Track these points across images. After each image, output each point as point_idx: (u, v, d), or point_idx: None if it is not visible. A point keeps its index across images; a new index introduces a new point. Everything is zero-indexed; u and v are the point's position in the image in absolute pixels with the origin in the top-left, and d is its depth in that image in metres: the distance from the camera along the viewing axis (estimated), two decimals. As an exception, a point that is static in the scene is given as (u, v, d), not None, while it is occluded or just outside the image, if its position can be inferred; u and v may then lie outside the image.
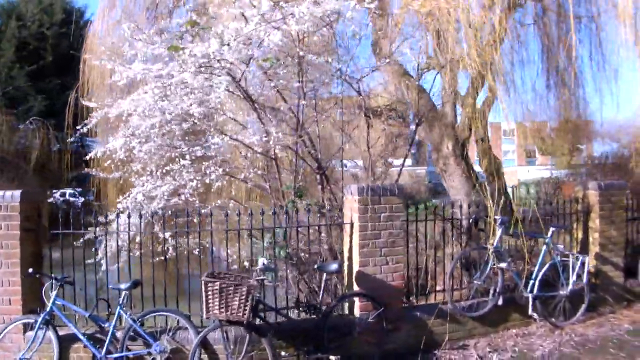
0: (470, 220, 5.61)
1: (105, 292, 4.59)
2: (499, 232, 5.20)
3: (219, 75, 4.30)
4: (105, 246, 4.79)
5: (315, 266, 4.64)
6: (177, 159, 5.69)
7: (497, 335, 5.23)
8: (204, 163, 5.63)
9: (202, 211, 5.08)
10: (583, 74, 8.48)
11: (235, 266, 5.33)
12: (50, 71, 17.94)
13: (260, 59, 4.39)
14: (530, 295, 5.25)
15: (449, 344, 4.94)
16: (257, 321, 4.15)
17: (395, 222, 4.80)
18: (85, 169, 6.66)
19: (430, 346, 4.85)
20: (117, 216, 4.62)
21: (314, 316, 4.43)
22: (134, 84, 5.76)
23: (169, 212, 5.14)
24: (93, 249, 5.16)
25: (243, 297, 3.79)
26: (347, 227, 4.88)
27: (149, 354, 4.15)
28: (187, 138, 5.93)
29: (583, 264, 5.47)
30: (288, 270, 5.03)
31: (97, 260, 5.07)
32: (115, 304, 4.25)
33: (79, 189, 20.27)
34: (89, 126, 6.08)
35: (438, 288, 5.51)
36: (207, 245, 5.26)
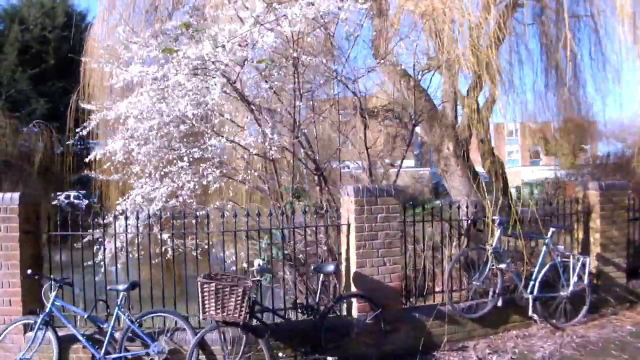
0: (469, 221, 5.60)
1: (105, 294, 4.60)
2: (497, 232, 5.18)
3: (214, 77, 4.31)
4: (103, 248, 4.80)
5: (312, 267, 4.63)
6: (175, 161, 5.71)
7: (497, 336, 5.20)
8: (201, 165, 5.65)
9: (200, 213, 5.10)
10: (583, 73, 8.46)
11: (234, 268, 5.35)
12: (53, 74, 18.08)
13: (255, 61, 4.39)
14: (530, 297, 5.22)
15: (448, 345, 4.92)
16: (254, 322, 4.15)
17: (392, 222, 4.79)
18: (85, 172, 6.64)
19: (429, 347, 4.83)
20: (115, 218, 4.64)
21: (311, 317, 4.43)
22: (132, 86, 5.79)
23: (167, 213, 5.16)
24: (94, 250, 5.21)
25: (239, 298, 3.80)
26: (344, 228, 4.88)
27: (147, 354, 4.16)
28: (185, 140, 5.95)
29: (584, 264, 5.44)
30: (286, 272, 5.03)
31: (96, 261, 5.11)
32: (114, 305, 4.27)
33: (83, 192, 20.38)
34: (88, 129, 6.10)
35: (437, 289, 5.49)
36: (206, 247, 5.29)
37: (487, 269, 5.14)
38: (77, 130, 6.25)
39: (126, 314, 4.17)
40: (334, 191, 6.01)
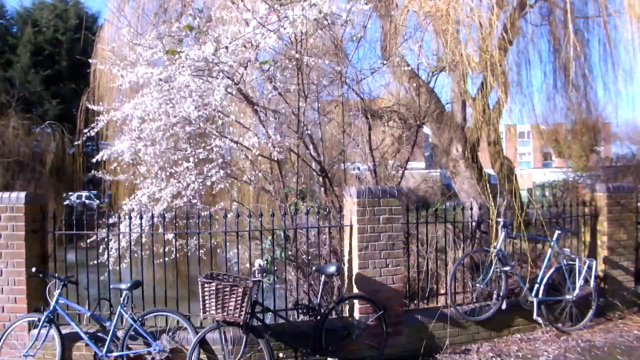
0: (473, 223, 5.55)
1: (110, 293, 4.65)
2: (501, 235, 5.13)
3: (217, 78, 4.34)
4: (107, 247, 4.86)
5: (313, 268, 4.63)
6: (180, 162, 5.77)
7: (500, 339, 5.16)
8: (207, 165, 5.69)
9: (204, 213, 5.14)
10: (593, 74, 8.34)
11: (236, 268, 5.38)
12: (65, 76, 18.37)
13: (258, 62, 4.42)
14: (535, 300, 5.16)
15: (450, 348, 4.89)
16: (255, 322, 4.17)
17: (395, 224, 4.77)
18: (93, 172, 6.74)
19: (432, 350, 4.81)
20: (119, 218, 4.69)
21: (312, 318, 4.43)
22: (139, 88, 5.86)
23: (172, 214, 5.20)
24: (100, 249, 5.28)
25: (239, 298, 3.81)
26: (346, 229, 4.87)
27: (149, 353, 4.19)
28: (191, 141, 6.01)
29: (590, 268, 5.37)
30: (287, 272, 5.04)
31: (101, 260, 5.18)
32: (117, 303, 4.31)
33: (94, 192, 20.65)
34: (95, 130, 6.20)
35: (442, 292, 5.46)
36: (211, 247, 5.33)
37: (491, 272, 5.09)
38: (84, 131, 6.35)
39: (129, 313, 4.21)
40: (339, 192, 6.01)
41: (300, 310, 4.57)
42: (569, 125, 11.76)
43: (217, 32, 4.42)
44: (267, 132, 5.00)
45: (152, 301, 4.56)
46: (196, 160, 5.74)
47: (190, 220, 4.95)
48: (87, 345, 4.23)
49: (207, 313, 3.90)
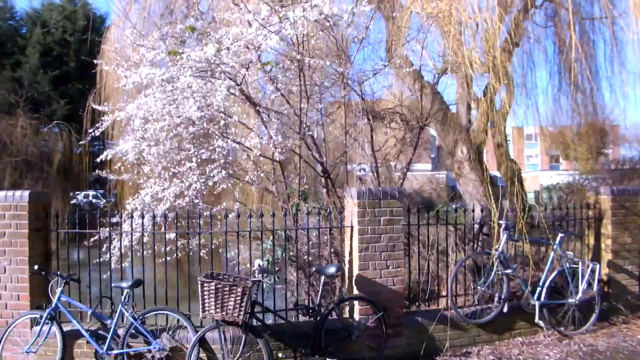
0: (475, 225, 5.53)
1: (111, 291, 4.69)
2: (503, 237, 5.11)
3: (218, 79, 4.37)
4: (109, 246, 4.90)
5: (314, 269, 4.64)
6: (183, 162, 5.80)
7: (501, 343, 5.13)
8: (209, 166, 5.72)
9: (205, 213, 5.16)
10: (599, 76, 8.27)
11: (240, 267, 5.39)
12: (73, 76, 18.57)
13: (260, 64, 4.44)
14: (537, 303, 5.13)
15: (450, 350, 4.87)
16: (255, 322, 4.18)
17: (396, 226, 4.76)
18: (97, 171, 6.79)
19: (432, 352, 4.79)
20: (120, 217, 4.72)
21: (312, 319, 4.43)
22: (144, 88, 5.90)
23: (174, 213, 5.23)
24: (102, 249, 5.32)
25: (238, 297, 3.83)
26: (347, 230, 4.88)
27: (149, 351, 4.22)
28: (194, 141, 6.04)
29: (593, 271, 5.33)
30: (288, 273, 5.05)
31: (104, 259, 5.21)
32: (118, 302, 4.34)
33: (101, 191, 20.82)
34: (100, 129, 6.25)
35: (444, 294, 5.44)
36: (213, 247, 5.35)
37: (493, 274, 5.07)
38: (89, 131, 6.41)
39: (129, 311, 4.24)
40: (341, 193, 6.01)
41: (300, 311, 4.58)
42: (575, 128, 11.67)
43: (219, 34, 4.45)
44: (268, 132, 5.01)
45: (153, 300, 4.59)
46: (199, 160, 5.77)
47: (193, 220, 4.98)
48: (88, 342, 4.27)
49: (207, 312, 3.92)
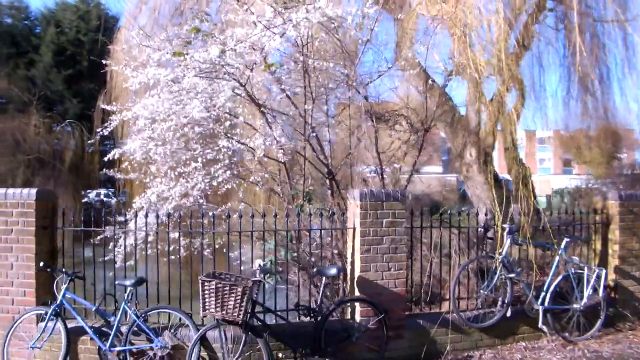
0: (479, 229, 5.51)
1: (115, 289, 4.75)
2: (507, 241, 5.07)
3: (221, 79, 4.41)
4: (114, 244, 4.97)
5: (314, 270, 4.65)
6: (189, 162, 5.85)
7: (504, 347, 5.09)
8: (214, 166, 5.76)
9: (210, 213, 5.20)
10: (610, 79, 8.18)
11: (243, 267, 5.43)
12: (86, 75, 18.83)
13: (263, 66, 4.47)
14: (541, 308, 5.08)
15: (452, 354, 4.85)
16: (255, 322, 4.20)
17: (398, 228, 4.76)
18: (104, 170, 6.88)
19: (432, 356, 4.78)
20: (125, 215, 4.78)
21: (312, 319, 4.44)
22: (151, 88, 5.97)
23: (178, 213, 5.28)
24: (108, 246, 5.39)
25: (238, 297, 3.86)
26: (349, 232, 4.88)
27: (151, 349, 4.27)
28: (201, 141, 6.09)
29: (599, 277, 5.27)
30: (290, 273, 5.07)
31: (109, 257, 5.28)
32: (121, 299, 4.40)
33: (112, 190, 21.05)
34: (108, 129, 6.34)
35: (447, 297, 5.41)
36: (217, 247, 5.39)
37: (496, 278, 5.04)
38: (97, 130, 6.50)
39: (132, 309, 4.30)
40: (345, 195, 6.01)
41: (300, 312, 4.59)
42: (587, 131, 11.52)
43: (224, 35, 4.49)
44: (272, 133, 5.04)
45: (156, 298, 4.64)
46: (204, 160, 5.82)
47: (198, 220, 5.02)
48: (91, 339, 4.34)
49: (207, 311, 3.95)
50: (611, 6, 6.84)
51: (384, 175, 6.67)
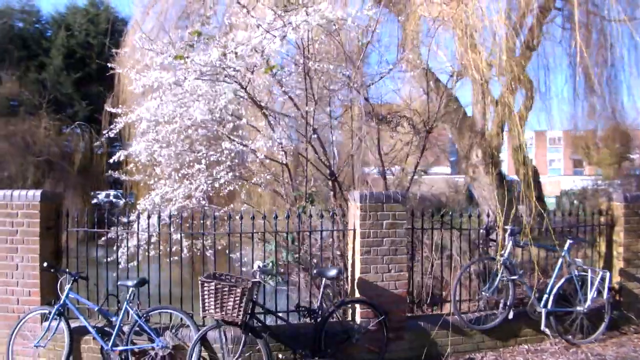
0: (481, 230, 5.48)
1: (117, 289, 4.81)
2: (509, 243, 5.05)
3: (224, 82, 4.45)
4: (116, 245, 5.02)
5: (315, 271, 4.67)
6: (192, 163, 5.90)
7: (506, 350, 5.06)
8: (216, 168, 5.80)
9: (216, 214, 5.25)
10: (617, 79, 8.09)
11: (244, 269, 5.46)
12: (95, 78, 19.06)
13: (263, 69, 4.50)
14: (543, 310, 5.04)
15: (453, 356, 4.84)
16: (255, 323, 4.23)
17: (399, 229, 4.76)
18: (109, 172, 6.97)
19: (433, 357, 4.77)
20: (128, 217, 4.84)
21: (312, 321, 4.46)
22: (155, 91, 6.03)
23: (182, 214, 5.34)
24: (109, 248, 5.46)
25: (237, 298, 3.89)
26: (350, 233, 4.89)
27: (152, 348, 4.31)
28: (205, 143, 6.14)
29: (603, 279, 5.20)
30: (291, 274, 5.09)
31: (113, 258, 5.35)
32: (124, 300, 4.45)
33: (121, 191, 21.26)
34: (114, 131, 6.41)
35: (449, 299, 5.39)
36: (220, 247, 5.44)
37: (497, 280, 5.02)
38: (103, 132, 6.59)
39: (134, 309, 4.35)
40: (348, 196, 6.02)
41: (300, 313, 4.61)
42: (597, 132, 11.39)
43: (226, 38, 4.54)
44: (272, 135, 5.07)
45: (158, 299, 4.69)
46: (207, 162, 5.87)
47: (201, 221, 5.06)
48: (94, 338, 4.39)
49: (207, 312, 3.99)
50: (615, 6, 6.77)
51: (388, 177, 6.69)
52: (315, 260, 5.31)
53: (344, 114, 6.26)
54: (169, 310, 4.49)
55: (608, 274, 5.26)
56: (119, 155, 6.25)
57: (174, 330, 4.42)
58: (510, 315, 5.00)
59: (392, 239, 4.73)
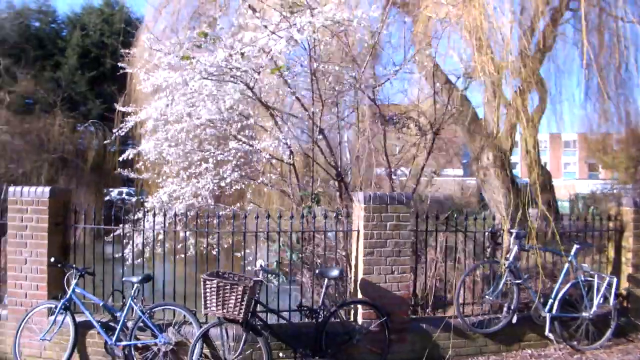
0: (486, 233, 5.45)
1: (123, 285, 4.88)
2: (514, 246, 5.00)
3: (230, 82, 4.49)
4: (122, 242, 5.11)
5: (317, 271, 4.69)
6: (200, 162, 5.97)
7: (509, 354, 5.02)
8: (224, 167, 5.86)
9: (222, 212, 5.30)
10: (632, 81, 7.96)
11: (249, 268, 5.51)
12: (108, 77, 19.32)
13: (270, 70, 4.53)
14: (548, 315, 4.99)
15: (454, 359, 4.81)
16: (256, 321, 4.26)
17: (402, 231, 4.75)
18: (119, 169, 7.07)
19: (435, 360, 4.76)
20: (134, 215, 4.91)
21: (314, 320, 4.47)
22: (164, 90, 6.11)
23: (187, 213, 5.40)
24: (116, 244, 5.55)
25: (239, 296, 3.92)
26: (354, 234, 4.90)
27: (155, 344, 4.38)
28: (214, 143, 6.20)
29: (610, 285, 5.14)
30: (294, 274, 5.11)
31: (119, 254, 5.44)
32: (128, 295, 4.52)
33: (133, 189, 21.51)
34: (124, 130, 6.51)
35: (453, 302, 5.36)
36: (226, 246, 5.49)
37: (502, 284, 4.98)
38: (114, 131, 6.69)
39: (138, 305, 4.41)
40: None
41: (302, 312, 4.63)
42: (607, 135, 11.21)
43: (233, 39, 4.58)
44: (278, 136, 5.11)
45: (162, 295, 4.75)
46: (215, 161, 5.93)
47: (207, 220, 5.12)
48: (98, 333, 4.47)
49: (208, 309, 4.03)
50: (623, 6, 6.65)
51: (395, 178, 6.67)
52: (319, 260, 5.33)
53: (352, 115, 6.26)
54: (172, 307, 4.55)
55: (615, 279, 5.20)
56: (128, 153, 6.34)
57: (176, 327, 4.47)
58: (514, 320, 4.97)
59: (395, 241, 4.73)
